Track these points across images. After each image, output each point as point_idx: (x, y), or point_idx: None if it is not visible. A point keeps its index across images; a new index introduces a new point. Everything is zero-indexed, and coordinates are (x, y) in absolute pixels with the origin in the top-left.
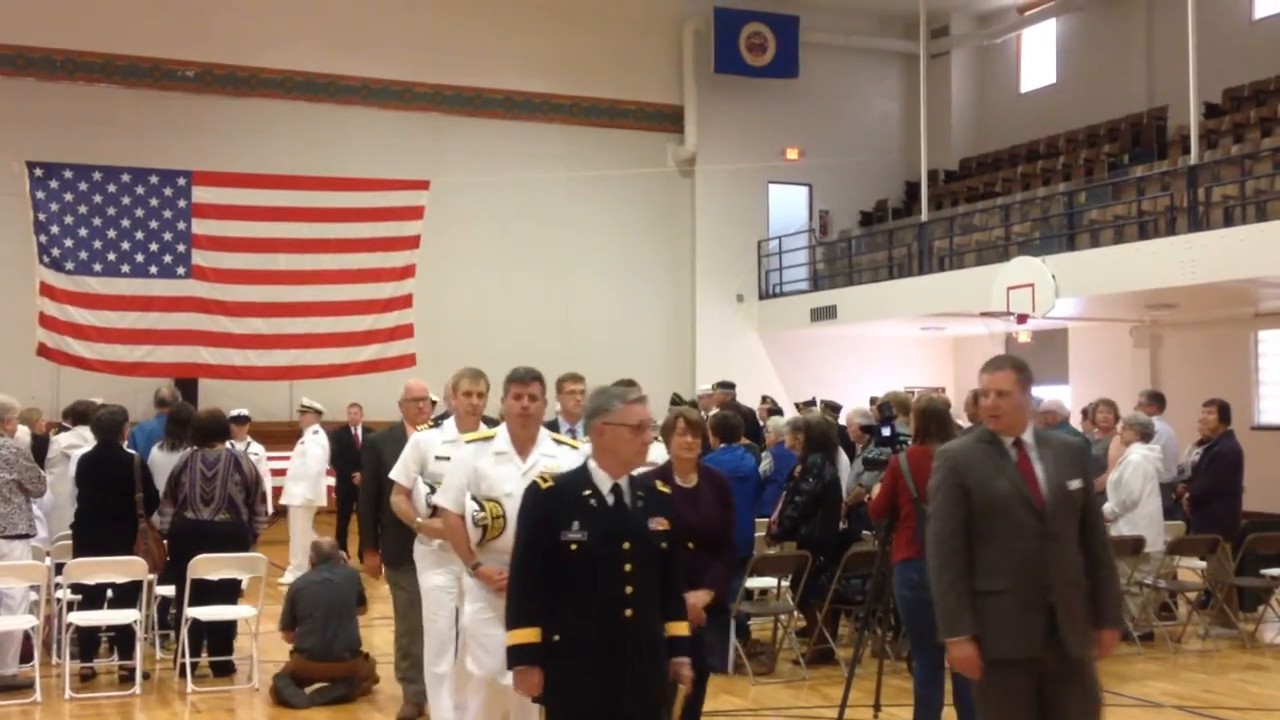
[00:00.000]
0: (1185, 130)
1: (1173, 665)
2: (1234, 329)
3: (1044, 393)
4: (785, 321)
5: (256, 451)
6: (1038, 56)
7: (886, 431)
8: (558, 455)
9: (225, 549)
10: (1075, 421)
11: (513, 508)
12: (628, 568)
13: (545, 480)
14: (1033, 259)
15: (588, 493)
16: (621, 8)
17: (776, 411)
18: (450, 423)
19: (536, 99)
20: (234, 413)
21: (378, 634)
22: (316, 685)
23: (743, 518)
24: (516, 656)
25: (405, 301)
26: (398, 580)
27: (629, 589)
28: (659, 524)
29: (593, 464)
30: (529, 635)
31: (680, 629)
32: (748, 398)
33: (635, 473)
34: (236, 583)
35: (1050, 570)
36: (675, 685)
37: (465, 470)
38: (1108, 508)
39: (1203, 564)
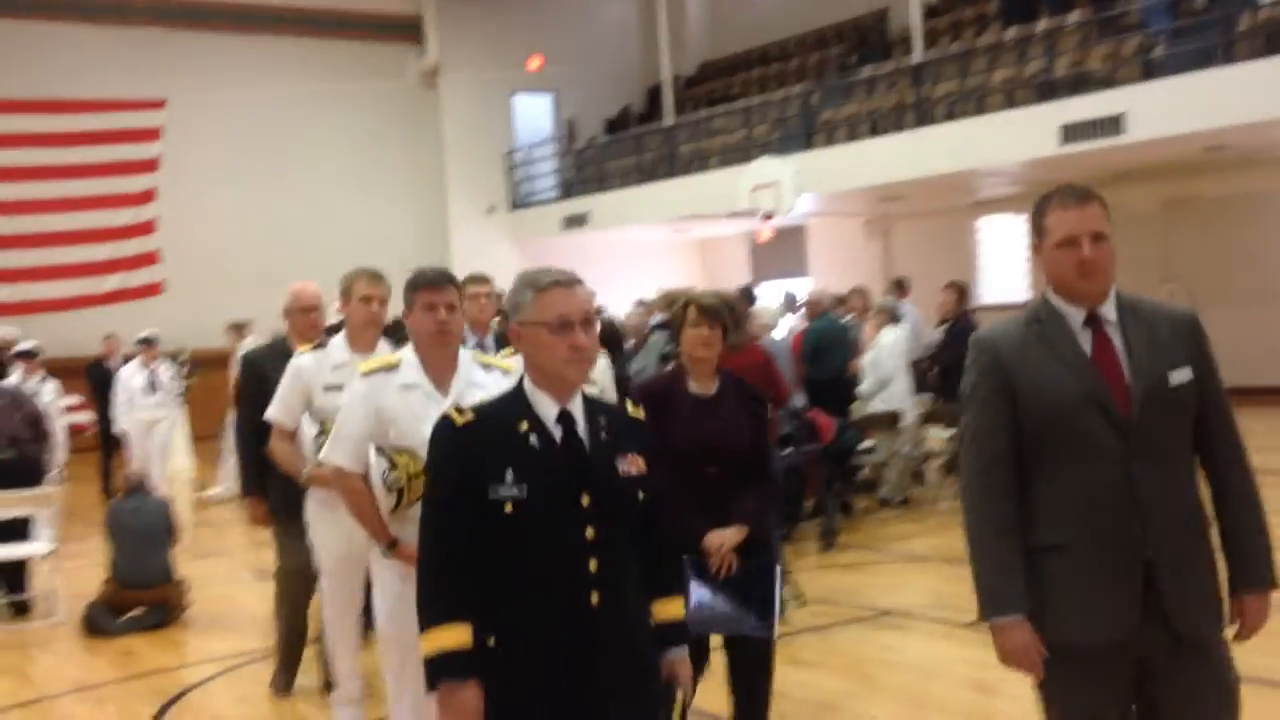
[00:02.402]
0: (907, 31)
1: (930, 525)
2: (957, 217)
3: (791, 285)
4: (538, 230)
5: (47, 389)
6: None
7: None
8: (488, 384)
9: (11, 487)
10: None
11: None
12: (590, 533)
13: (461, 413)
14: (774, 159)
15: (524, 427)
16: None
17: None
18: (339, 341)
19: (266, 11)
20: (20, 347)
21: (188, 563)
22: (130, 613)
23: None
24: (438, 670)
25: (147, 228)
26: (285, 540)
27: (594, 564)
28: (632, 465)
29: (529, 385)
30: (454, 637)
31: (672, 610)
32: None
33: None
34: (26, 520)
35: (1144, 510)
36: (670, 689)
37: (363, 412)
38: (864, 388)
39: (949, 431)
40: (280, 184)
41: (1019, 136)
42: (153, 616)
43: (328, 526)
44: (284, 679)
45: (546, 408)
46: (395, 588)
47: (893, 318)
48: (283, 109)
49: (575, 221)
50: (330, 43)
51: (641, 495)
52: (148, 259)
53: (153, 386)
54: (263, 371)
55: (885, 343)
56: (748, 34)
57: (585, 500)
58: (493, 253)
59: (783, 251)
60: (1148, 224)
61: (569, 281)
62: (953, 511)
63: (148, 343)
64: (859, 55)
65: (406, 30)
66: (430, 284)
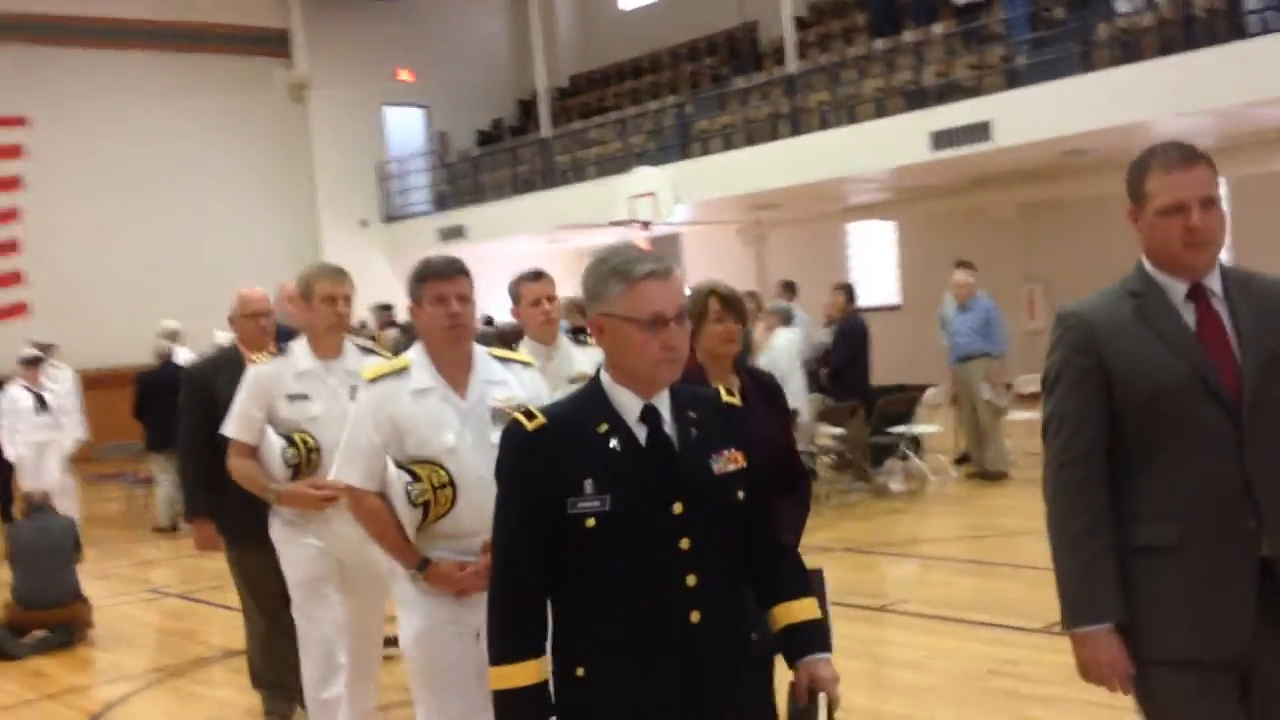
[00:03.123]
0: (777, 43)
1: (827, 518)
2: (828, 223)
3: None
4: (413, 244)
5: None
6: None
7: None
8: (509, 381)
9: None
10: None
11: (464, 469)
12: (685, 544)
13: (531, 417)
14: (652, 169)
15: (603, 428)
16: None
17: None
18: (301, 346)
19: (132, 26)
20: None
21: (92, 583)
22: (36, 634)
23: None
24: (508, 710)
25: (10, 247)
26: (244, 565)
27: (691, 578)
28: (730, 461)
29: (607, 380)
30: (527, 673)
31: (804, 610)
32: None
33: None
34: None
35: (1259, 503)
36: (811, 701)
37: (373, 423)
38: None
39: (839, 430)
40: (148, 200)
41: (891, 144)
42: (58, 636)
43: (297, 549)
44: None
45: (628, 404)
46: (422, 605)
47: (786, 319)
48: (150, 125)
49: (452, 234)
50: (197, 57)
51: (741, 494)
52: (12, 279)
53: (42, 405)
54: (209, 384)
55: (780, 344)
56: (618, 47)
57: (677, 508)
58: (366, 266)
59: None
60: (1007, 227)
61: (664, 271)
62: (847, 506)
63: (32, 361)
64: (730, 67)
65: (274, 44)
66: (439, 274)
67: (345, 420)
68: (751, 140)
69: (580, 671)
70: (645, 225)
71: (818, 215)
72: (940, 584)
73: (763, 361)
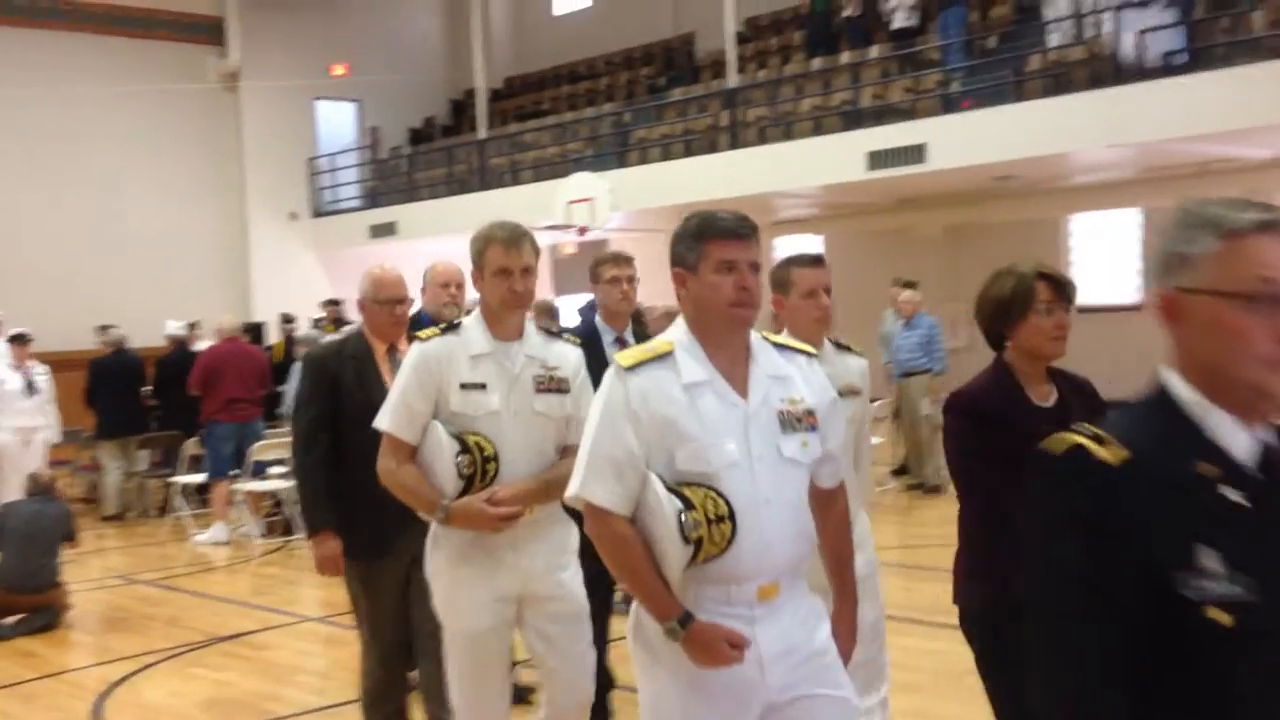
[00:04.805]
0: (714, 55)
1: None
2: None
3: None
4: (343, 239)
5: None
6: None
7: None
8: (793, 376)
9: None
10: None
11: (744, 492)
12: None
13: (1103, 443)
14: (590, 175)
15: (1209, 471)
16: None
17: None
18: (475, 321)
19: (65, 6)
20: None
21: (71, 568)
22: (18, 616)
23: None
24: None
25: None
26: (375, 584)
27: None
28: None
29: (1186, 393)
30: None
31: None
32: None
33: None
34: None
35: None
36: None
37: (633, 428)
38: None
39: None
40: (74, 187)
41: (827, 162)
42: (39, 619)
43: (465, 590)
44: None
45: (1232, 436)
46: (683, 672)
47: None
48: (78, 109)
49: (383, 230)
50: (129, 42)
51: None
52: None
53: (30, 389)
54: (331, 372)
55: None
56: (552, 52)
57: None
58: (294, 261)
59: (584, 266)
60: (933, 246)
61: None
62: None
63: (19, 340)
64: (667, 77)
65: (208, 32)
66: (729, 233)
67: (529, 419)
68: (689, 151)
69: None
70: (582, 230)
71: None
72: (899, 589)
73: None
